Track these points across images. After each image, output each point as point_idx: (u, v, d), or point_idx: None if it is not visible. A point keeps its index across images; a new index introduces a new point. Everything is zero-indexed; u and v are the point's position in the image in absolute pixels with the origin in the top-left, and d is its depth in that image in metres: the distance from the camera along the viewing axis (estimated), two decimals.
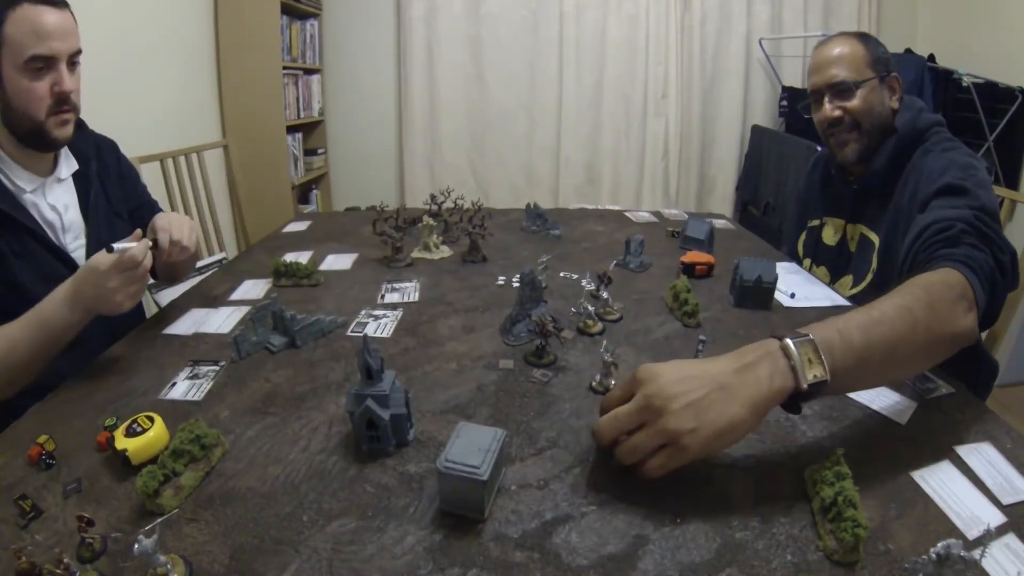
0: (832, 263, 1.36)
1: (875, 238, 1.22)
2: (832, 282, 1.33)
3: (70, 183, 1.14)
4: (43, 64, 0.97)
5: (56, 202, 1.10)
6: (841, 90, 1.19)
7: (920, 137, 1.17)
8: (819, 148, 2.56)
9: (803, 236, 1.46)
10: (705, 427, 0.61)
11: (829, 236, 1.37)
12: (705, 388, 0.62)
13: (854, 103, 1.18)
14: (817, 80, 1.23)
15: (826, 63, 1.21)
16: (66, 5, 1.02)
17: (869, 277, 1.22)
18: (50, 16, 0.97)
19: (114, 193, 1.24)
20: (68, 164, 1.14)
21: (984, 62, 2.78)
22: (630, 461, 0.65)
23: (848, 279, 1.30)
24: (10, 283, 0.98)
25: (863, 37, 1.22)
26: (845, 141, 1.22)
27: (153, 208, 1.35)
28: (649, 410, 0.62)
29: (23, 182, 1.04)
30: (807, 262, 1.42)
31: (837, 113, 1.19)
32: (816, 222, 1.41)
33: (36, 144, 1.04)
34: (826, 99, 1.21)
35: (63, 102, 1.02)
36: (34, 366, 0.92)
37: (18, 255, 1.01)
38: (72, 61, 1.02)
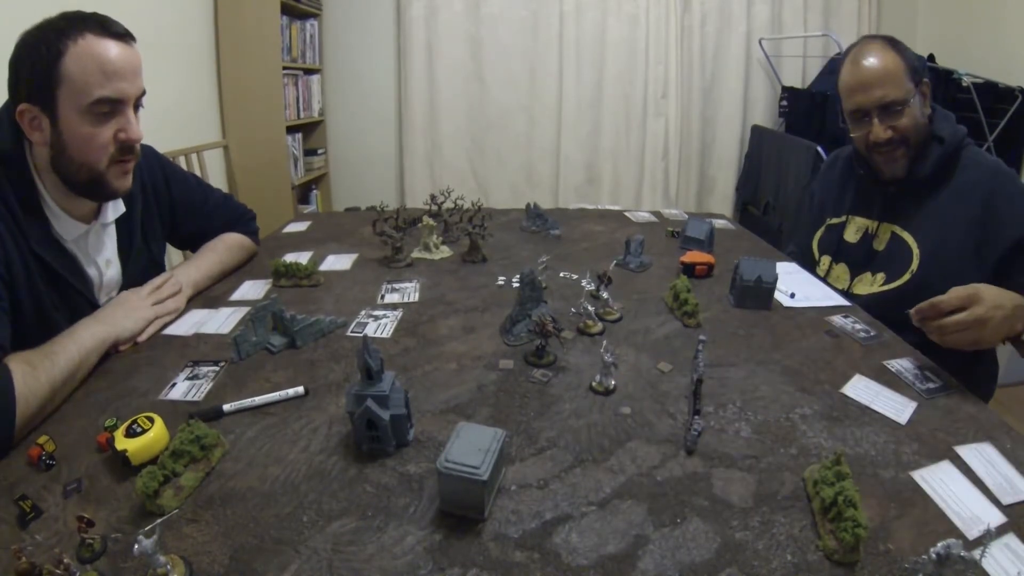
0: (854, 260, 1.36)
1: (910, 238, 1.24)
2: (852, 278, 1.34)
3: (112, 228, 1.07)
4: (109, 108, 0.88)
5: (99, 258, 1.04)
6: (891, 111, 1.18)
7: (961, 143, 1.20)
8: (819, 148, 2.58)
9: (820, 233, 1.45)
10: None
11: (851, 234, 1.37)
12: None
13: (903, 121, 1.18)
14: (863, 100, 1.20)
15: (871, 81, 1.18)
16: (133, 38, 0.91)
17: (907, 276, 1.23)
18: (117, 51, 0.87)
19: (156, 236, 1.18)
20: (114, 207, 1.05)
21: (984, 62, 2.78)
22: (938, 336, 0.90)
23: (869, 276, 1.30)
24: (52, 335, 0.88)
25: (894, 44, 1.20)
26: (894, 158, 1.22)
27: (217, 206, 1.33)
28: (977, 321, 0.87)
29: (65, 230, 0.96)
30: (825, 259, 1.41)
31: (889, 134, 1.19)
32: (838, 220, 1.41)
33: (91, 195, 0.96)
34: (875, 119, 1.19)
35: (127, 151, 0.93)
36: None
37: (58, 308, 0.95)
38: (137, 103, 0.93)
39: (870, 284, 1.29)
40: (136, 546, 0.51)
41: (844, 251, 1.38)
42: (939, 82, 2.77)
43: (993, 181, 1.17)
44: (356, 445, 0.73)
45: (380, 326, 1.06)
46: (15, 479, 0.68)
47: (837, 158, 1.47)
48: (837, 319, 1.10)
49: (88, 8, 0.94)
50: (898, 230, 1.27)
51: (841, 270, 1.37)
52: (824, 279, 1.36)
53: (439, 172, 3.50)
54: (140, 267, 1.14)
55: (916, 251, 1.22)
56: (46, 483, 0.67)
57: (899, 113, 1.17)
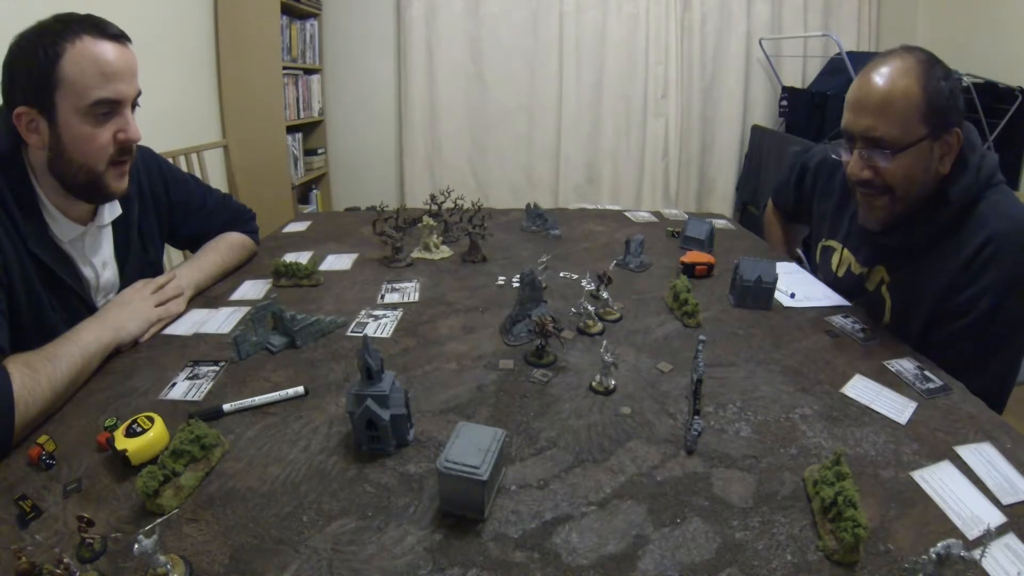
0: (844, 290, 1.22)
1: (887, 295, 1.11)
2: None
3: (109, 230, 1.07)
4: (108, 109, 0.89)
5: (95, 259, 1.04)
6: (878, 149, 0.95)
7: (976, 196, 0.98)
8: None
9: (819, 249, 1.35)
10: None
11: (842, 269, 1.23)
12: None
13: (890, 168, 0.95)
14: (849, 121, 0.98)
15: (867, 105, 0.94)
16: (128, 39, 0.93)
17: (884, 320, 1.12)
18: (114, 52, 0.88)
19: (153, 239, 1.19)
20: (111, 209, 1.05)
21: (984, 62, 2.78)
22: None
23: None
24: (50, 337, 0.87)
25: (926, 71, 0.92)
26: (872, 207, 1.02)
27: (217, 207, 1.32)
28: None
29: (62, 232, 0.96)
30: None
31: (866, 175, 0.98)
32: (832, 243, 1.27)
33: (88, 197, 0.96)
34: (856, 151, 0.98)
35: (125, 151, 0.94)
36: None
37: (55, 309, 0.96)
38: (134, 104, 0.94)
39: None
40: (136, 546, 0.51)
41: (835, 284, 1.26)
42: None
43: (1000, 239, 0.93)
44: (356, 445, 0.73)
45: (380, 326, 1.06)
46: (15, 479, 0.68)
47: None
48: (837, 319, 1.10)
49: (90, 9, 0.93)
50: (886, 276, 1.12)
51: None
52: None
53: (439, 172, 3.51)
54: (137, 269, 1.14)
55: (888, 309, 1.11)
56: (46, 483, 0.67)
57: (886, 155, 0.94)
